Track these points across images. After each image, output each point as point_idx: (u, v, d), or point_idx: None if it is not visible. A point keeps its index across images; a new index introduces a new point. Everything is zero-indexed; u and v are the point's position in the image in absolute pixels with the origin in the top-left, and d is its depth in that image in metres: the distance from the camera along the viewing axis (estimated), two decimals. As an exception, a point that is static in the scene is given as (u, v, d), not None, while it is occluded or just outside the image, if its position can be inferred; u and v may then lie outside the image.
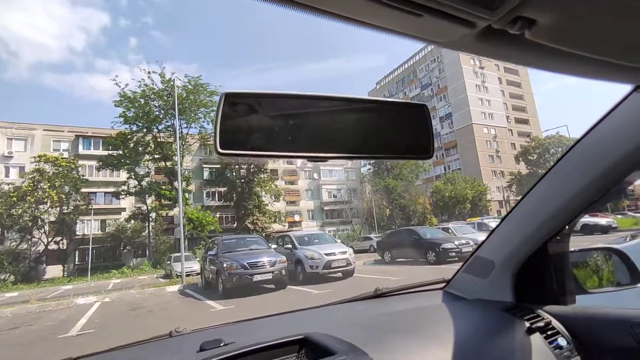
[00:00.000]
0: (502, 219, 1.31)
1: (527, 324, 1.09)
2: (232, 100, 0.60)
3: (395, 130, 0.72)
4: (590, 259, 1.35)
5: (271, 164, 38.21)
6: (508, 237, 1.27)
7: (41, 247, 29.55)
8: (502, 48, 0.49)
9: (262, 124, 0.63)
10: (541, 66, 0.56)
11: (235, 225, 36.18)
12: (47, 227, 29.26)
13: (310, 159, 0.64)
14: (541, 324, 1.09)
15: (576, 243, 1.24)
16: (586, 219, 16.60)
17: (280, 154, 0.63)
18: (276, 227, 36.29)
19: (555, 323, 1.11)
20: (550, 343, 1.05)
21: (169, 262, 22.14)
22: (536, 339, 1.05)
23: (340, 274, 11.00)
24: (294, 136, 0.63)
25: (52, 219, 29.19)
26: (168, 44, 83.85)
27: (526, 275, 1.26)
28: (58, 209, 29.13)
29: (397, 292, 1.54)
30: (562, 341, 1.06)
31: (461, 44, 0.48)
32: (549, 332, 1.08)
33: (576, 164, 1.03)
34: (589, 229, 16.26)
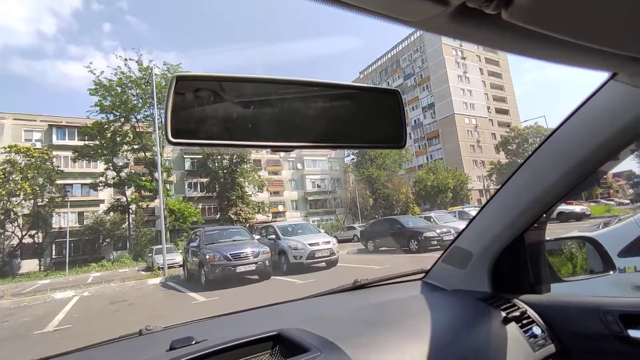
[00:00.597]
0: (480, 210, 1.31)
1: (503, 314, 1.10)
2: (185, 84, 0.55)
3: (365, 117, 0.68)
4: (565, 247, 1.37)
5: (254, 154, 37.85)
6: (486, 227, 1.27)
7: (15, 241, 28.51)
8: (478, 30, 0.45)
9: (219, 110, 0.58)
10: (518, 50, 0.53)
11: (218, 216, 35.85)
12: (20, 220, 28.25)
13: (272, 148, 0.60)
14: (517, 313, 1.10)
15: (551, 231, 1.25)
16: (561, 207, 17.22)
17: (239, 143, 0.58)
18: (260, 217, 36.15)
19: (530, 312, 1.13)
20: (525, 332, 1.06)
21: (150, 254, 21.78)
22: (512, 328, 1.07)
23: (324, 264, 11.07)
24: (255, 124, 0.58)
25: (26, 211, 28.19)
26: (144, 30, 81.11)
27: (503, 265, 1.27)
28: (32, 201, 28.14)
29: (375, 284, 1.54)
30: (536, 330, 1.08)
31: (433, 24, 0.44)
32: (524, 322, 1.09)
33: (553, 153, 1.03)
34: (564, 217, 16.89)
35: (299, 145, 0.60)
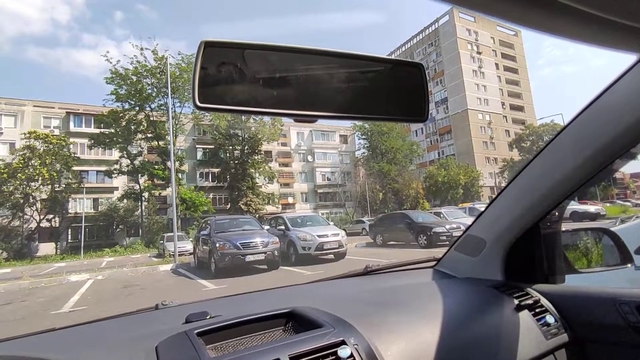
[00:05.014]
0: (495, 198, 1.29)
1: (516, 302, 1.09)
2: (213, 50, 0.55)
3: (389, 89, 0.68)
4: (581, 239, 1.35)
5: (265, 146, 37.97)
6: (500, 215, 1.26)
7: (33, 225, 29.38)
8: (505, 4, 0.45)
9: (245, 77, 0.57)
10: (547, 28, 0.51)
11: (228, 206, 36.19)
12: (39, 205, 29.04)
13: (296, 117, 0.60)
14: (530, 301, 1.09)
15: (567, 225, 1.23)
16: (575, 207, 16.83)
17: (264, 110, 0.58)
18: (269, 208, 36.38)
19: (543, 301, 1.12)
20: (538, 320, 1.06)
21: (161, 241, 22.18)
22: (524, 316, 1.06)
23: (332, 256, 11.12)
24: (281, 92, 0.58)
25: (44, 196, 28.94)
26: (155, 19, 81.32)
27: (517, 254, 1.26)
28: (50, 186, 28.85)
29: (386, 270, 1.54)
30: (550, 319, 1.07)
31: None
32: (537, 310, 1.08)
33: (573, 139, 1.01)
34: (577, 216, 16.50)
35: (322, 115, 0.59)
